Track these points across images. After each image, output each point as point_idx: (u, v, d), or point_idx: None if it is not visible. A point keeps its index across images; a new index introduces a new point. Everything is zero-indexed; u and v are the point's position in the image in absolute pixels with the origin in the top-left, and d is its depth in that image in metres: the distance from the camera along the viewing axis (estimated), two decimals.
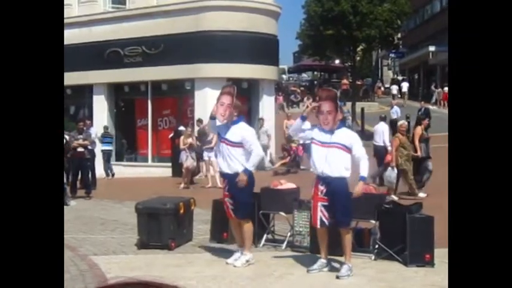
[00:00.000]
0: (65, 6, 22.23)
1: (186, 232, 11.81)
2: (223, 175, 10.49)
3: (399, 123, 18.17)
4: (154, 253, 10.94)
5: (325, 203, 9.50)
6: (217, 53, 24.88)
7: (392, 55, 69.08)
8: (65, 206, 14.48)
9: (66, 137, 18.31)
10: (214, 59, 24.89)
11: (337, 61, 54.65)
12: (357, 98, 44.80)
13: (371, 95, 56.60)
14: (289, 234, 11.43)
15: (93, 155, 20.69)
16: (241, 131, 10.15)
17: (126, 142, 28.33)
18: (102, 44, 26.97)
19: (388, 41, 41.83)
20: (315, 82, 66.67)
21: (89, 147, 19.60)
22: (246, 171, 9.89)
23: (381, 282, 9.24)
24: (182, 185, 21.31)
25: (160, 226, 11.16)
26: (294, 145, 25.70)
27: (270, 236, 11.83)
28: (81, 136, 19.16)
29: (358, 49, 42.91)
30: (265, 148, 24.81)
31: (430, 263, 9.82)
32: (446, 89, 49.15)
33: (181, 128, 23.91)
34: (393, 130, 33.85)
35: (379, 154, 20.23)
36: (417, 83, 64.67)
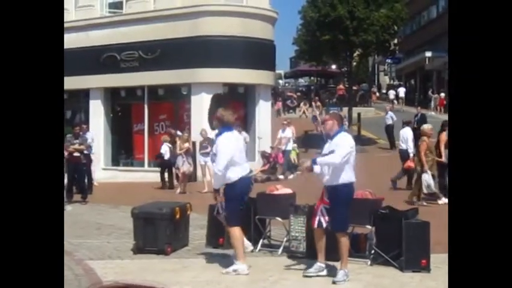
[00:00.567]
0: None
1: (182, 237, 11.81)
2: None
3: (426, 127, 17.96)
4: (150, 258, 10.93)
5: (327, 206, 9.54)
6: (213, 58, 24.88)
7: (388, 60, 69.20)
8: None
9: None
10: (211, 64, 24.89)
11: (333, 66, 54.71)
12: (354, 103, 44.83)
13: (367, 100, 56.66)
14: (285, 239, 11.43)
15: (89, 160, 20.70)
16: (216, 143, 10.24)
17: (123, 147, 28.30)
18: (99, 48, 26.96)
19: (385, 47, 41.87)
20: (312, 87, 66.74)
21: (85, 151, 19.60)
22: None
23: (377, 287, 9.25)
24: (178, 190, 21.31)
25: (156, 231, 11.15)
26: (273, 152, 25.69)
27: (266, 241, 11.83)
28: (77, 141, 19.15)
29: (355, 54, 42.94)
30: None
31: (426, 269, 9.83)
32: (442, 94, 49.26)
33: (178, 132, 23.92)
34: (388, 135, 34.06)
35: (403, 159, 20.47)
36: (413, 88, 64.79)
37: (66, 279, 9.24)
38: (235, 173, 10.02)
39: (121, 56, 26.75)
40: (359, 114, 39.88)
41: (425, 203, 16.00)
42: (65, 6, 26.02)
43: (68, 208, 17.17)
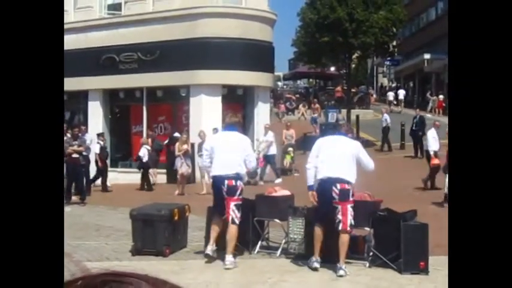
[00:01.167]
0: None
1: (180, 239, 11.80)
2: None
3: None
4: (149, 259, 10.93)
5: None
6: (212, 60, 24.88)
7: (387, 62, 69.18)
8: None
9: None
10: (210, 65, 24.89)
11: (332, 68, 54.72)
12: (352, 106, 44.84)
13: (366, 102, 56.69)
14: (283, 241, 11.43)
15: (88, 161, 20.71)
16: None
17: (121, 148, 28.30)
18: (98, 50, 26.97)
19: (384, 49, 41.87)
20: (310, 90, 66.76)
21: (84, 153, 19.60)
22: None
23: None
24: (177, 192, 21.31)
25: (155, 232, 11.15)
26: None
27: (264, 243, 11.82)
28: (75, 142, 19.16)
29: (354, 56, 42.95)
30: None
31: (425, 271, 9.82)
32: (441, 96, 49.26)
33: (177, 134, 23.93)
34: (384, 137, 34.07)
35: (428, 159, 20.66)
36: (412, 90, 64.80)
37: (64, 280, 9.24)
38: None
39: (120, 57, 26.75)
40: (357, 117, 39.88)
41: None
42: (64, 8, 26.03)
43: (67, 209, 17.16)
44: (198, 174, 23.06)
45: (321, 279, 9.73)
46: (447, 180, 16.40)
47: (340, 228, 9.96)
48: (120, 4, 28.05)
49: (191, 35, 25.18)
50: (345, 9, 36.67)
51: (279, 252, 11.31)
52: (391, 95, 57.10)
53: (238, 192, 10.59)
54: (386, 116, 34.97)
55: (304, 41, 41.06)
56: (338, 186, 9.97)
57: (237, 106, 26.43)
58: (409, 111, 47.13)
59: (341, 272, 9.77)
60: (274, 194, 11.93)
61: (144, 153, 23.12)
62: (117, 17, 27.96)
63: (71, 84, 24.96)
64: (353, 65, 44.08)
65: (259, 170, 23.51)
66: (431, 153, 19.82)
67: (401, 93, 56.87)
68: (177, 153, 22.23)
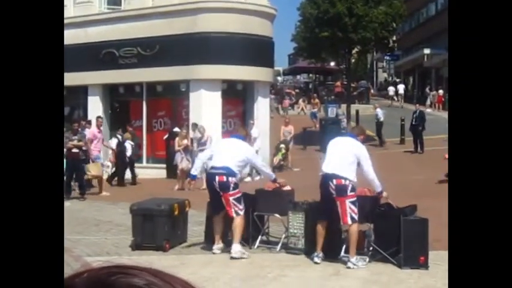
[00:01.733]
0: None
1: (180, 233, 11.81)
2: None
3: None
4: (149, 254, 10.93)
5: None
6: (212, 55, 24.86)
7: (387, 57, 69.20)
8: None
9: None
10: (210, 60, 24.86)
11: (332, 63, 54.70)
12: (352, 100, 44.83)
13: (366, 97, 56.70)
14: (283, 235, 11.44)
15: (87, 156, 20.70)
16: None
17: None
18: (98, 44, 26.92)
19: (383, 44, 41.88)
20: (310, 85, 66.73)
21: (84, 148, 19.59)
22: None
23: (375, 284, 9.26)
24: (177, 187, 21.30)
25: (155, 227, 11.16)
26: None
27: (264, 238, 11.83)
28: (75, 137, 19.15)
29: (353, 51, 42.96)
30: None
31: (425, 266, 9.83)
32: (441, 91, 49.29)
33: (176, 129, 23.92)
34: (377, 132, 34.09)
35: None
36: (412, 85, 64.80)
37: (64, 275, 9.25)
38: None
39: (119, 52, 26.71)
40: (357, 111, 39.90)
41: None
42: (64, 2, 26.00)
43: (66, 204, 17.16)
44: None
45: (321, 274, 9.74)
46: None
47: (341, 223, 10.06)
48: None
49: (191, 29, 25.15)
50: (345, 4, 36.66)
51: (279, 247, 11.31)
52: (391, 90, 57.10)
53: (231, 187, 10.73)
54: (379, 110, 35.06)
55: (304, 36, 41.03)
56: (334, 181, 10.05)
57: (237, 101, 26.43)
58: (408, 106, 47.16)
59: (349, 265, 9.88)
60: (274, 189, 11.92)
61: (127, 148, 23.24)
62: (116, 12, 27.91)
63: (70, 79, 24.94)
64: (353, 60, 44.13)
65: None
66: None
67: (401, 87, 56.86)
68: (176, 148, 22.22)
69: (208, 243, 11.68)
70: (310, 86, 65.62)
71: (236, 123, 23.61)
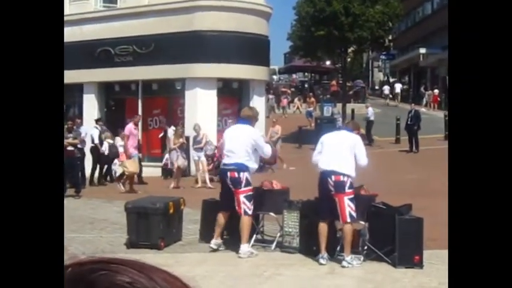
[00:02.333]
0: None
1: (175, 232, 11.81)
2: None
3: None
4: (144, 252, 10.92)
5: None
6: (208, 53, 24.85)
7: (383, 57, 69.25)
8: None
9: None
10: (205, 59, 24.86)
11: (328, 62, 54.70)
12: (347, 99, 44.86)
13: (362, 96, 56.74)
14: (278, 234, 11.43)
15: (83, 154, 20.71)
16: None
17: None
18: (93, 42, 26.89)
19: (379, 43, 41.89)
20: (306, 84, 66.72)
21: (79, 146, 19.58)
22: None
23: (370, 283, 9.27)
24: (172, 185, 21.29)
25: (150, 225, 11.15)
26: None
27: (259, 237, 11.83)
28: (71, 135, 19.13)
29: (349, 50, 42.96)
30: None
31: (419, 265, 9.84)
32: (436, 91, 49.35)
33: (172, 128, 23.91)
34: (367, 130, 34.14)
35: None
36: (408, 85, 64.85)
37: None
38: None
39: (115, 50, 26.69)
40: (353, 110, 39.92)
41: None
42: None
43: None
44: (193, 167, 23.03)
45: (316, 272, 9.74)
46: None
47: (340, 221, 10.08)
48: None
49: (187, 28, 25.13)
50: (341, 3, 36.65)
51: (273, 245, 11.31)
52: (386, 89, 57.15)
53: (243, 184, 10.68)
54: (370, 109, 35.15)
55: (300, 35, 41.01)
56: (333, 178, 10.06)
57: (233, 100, 26.43)
58: (404, 105, 47.20)
59: (343, 263, 9.85)
60: (269, 188, 11.93)
61: (105, 147, 23.30)
62: (112, 10, 27.89)
63: (65, 77, 24.67)
64: (348, 59, 44.09)
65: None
66: None
67: (398, 87, 56.89)
68: (172, 146, 22.21)
69: (203, 241, 11.69)
70: (306, 85, 65.62)
71: (232, 120, 23.58)
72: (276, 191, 11.78)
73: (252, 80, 26.39)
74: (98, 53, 26.99)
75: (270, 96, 50.20)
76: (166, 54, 25.06)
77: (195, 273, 9.47)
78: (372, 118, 34.41)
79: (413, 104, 35.10)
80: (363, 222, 10.57)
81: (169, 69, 25.20)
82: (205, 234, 11.79)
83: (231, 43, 25.17)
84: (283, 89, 58.75)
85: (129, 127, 21.41)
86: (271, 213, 11.53)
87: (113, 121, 27.86)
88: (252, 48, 25.77)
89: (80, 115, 26.96)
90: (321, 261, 10.07)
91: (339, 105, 40.13)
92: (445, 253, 10.53)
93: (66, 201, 17.72)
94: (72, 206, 17.00)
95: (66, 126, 19.61)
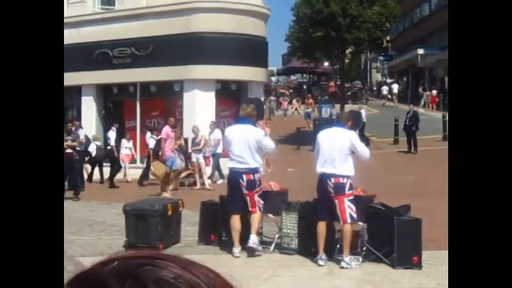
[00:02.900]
0: None
1: (174, 234, 11.80)
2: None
3: None
4: None
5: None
6: (206, 55, 24.86)
7: (381, 58, 69.28)
8: None
9: None
10: (203, 60, 24.87)
11: (326, 63, 54.68)
12: (345, 101, 44.87)
13: (360, 97, 56.75)
14: (277, 236, 11.43)
15: (81, 156, 20.71)
16: None
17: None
18: (91, 45, 26.90)
19: (377, 44, 41.90)
20: (304, 86, 66.72)
21: (78, 148, 19.58)
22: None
23: (368, 284, 9.27)
24: (170, 187, 21.26)
25: (148, 227, 11.15)
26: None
27: (258, 238, 11.82)
28: (69, 137, 19.13)
29: (347, 51, 42.95)
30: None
31: (418, 266, 9.84)
32: (434, 91, 49.35)
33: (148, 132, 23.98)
34: (360, 132, 34.10)
35: None
36: (405, 85, 64.85)
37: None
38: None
39: (113, 52, 26.70)
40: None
41: None
42: None
43: None
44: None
45: (315, 274, 9.74)
46: None
47: (340, 222, 10.08)
48: None
49: (185, 29, 25.15)
50: (339, 4, 36.65)
51: (272, 247, 11.31)
52: (385, 90, 57.17)
53: (257, 184, 10.94)
54: (363, 111, 35.18)
55: (298, 36, 41.01)
56: (332, 180, 10.06)
57: (231, 101, 26.43)
58: (402, 106, 47.21)
59: (342, 264, 9.86)
60: (268, 189, 11.92)
61: (93, 148, 23.48)
62: (110, 12, 27.89)
63: (64, 79, 24.82)
64: (346, 60, 44.09)
65: (209, 170, 22.83)
66: None
67: (396, 87, 56.90)
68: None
69: (202, 243, 11.69)
70: (304, 86, 65.63)
71: (230, 123, 23.61)
72: (275, 192, 11.78)
73: (250, 82, 26.41)
74: (96, 55, 27.00)
75: (272, 98, 50.24)
76: (164, 56, 25.07)
77: None
78: (364, 120, 34.37)
79: (411, 105, 35.08)
80: (361, 223, 10.57)
81: (168, 71, 25.21)
82: (204, 236, 11.79)
83: (229, 45, 25.19)
84: (282, 91, 58.79)
85: (166, 130, 21.24)
86: (270, 215, 11.53)
87: (111, 123, 27.86)
88: (250, 50, 25.78)
89: (79, 117, 26.96)
90: (320, 262, 10.07)
91: (337, 106, 40.13)
92: (443, 254, 10.54)
93: (65, 203, 17.71)
94: (71, 208, 16.98)
95: (64, 129, 19.62)
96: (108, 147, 23.55)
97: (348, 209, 9.99)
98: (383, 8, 38.25)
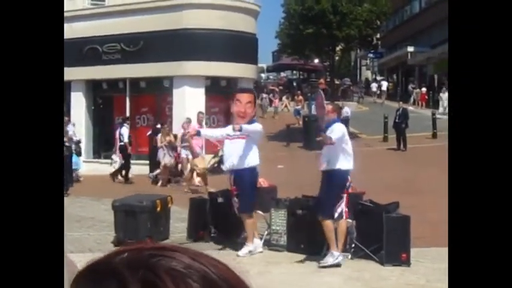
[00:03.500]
0: None
1: (162, 230, 11.80)
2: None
3: None
4: None
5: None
6: (196, 51, 24.83)
7: (371, 55, 69.33)
8: None
9: None
10: (193, 57, 24.85)
11: (316, 60, 54.71)
12: (335, 98, 44.91)
13: (350, 94, 56.78)
14: (266, 232, 11.44)
15: (71, 152, 20.65)
16: None
17: (104, 139, 28.21)
18: (81, 40, 26.81)
19: (367, 41, 42.00)
20: (294, 83, 66.74)
21: (67, 143, 19.53)
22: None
23: (357, 281, 9.29)
24: (160, 183, 21.26)
25: (137, 223, 11.14)
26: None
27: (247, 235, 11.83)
28: None
29: (337, 49, 43.01)
30: None
31: (406, 263, 9.87)
32: (424, 89, 49.45)
33: (159, 125, 23.89)
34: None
35: None
36: (395, 83, 64.94)
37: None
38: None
39: (103, 48, 26.64)
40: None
41: None
42: None
43: None
44: (179, 165, 23.00)
45: (304, 270, 9.75)
46: None
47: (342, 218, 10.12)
48: None
49: (175, 26, 25.12)
50: (330, 1, 36.72)
51: (261, 243, 11.31)
52: (374, 87, 57.22)
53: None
54: (347, 108, 35.21)
55: (288, 33, 41.05)
56: (332, 176, 10.07)
57: (221, 98, 26.40)
58: (392, 103, 47.26)
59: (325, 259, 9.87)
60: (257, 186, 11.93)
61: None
62: (100, 8, 27.81)
63: (64, 76, 24.71)
64: (336, 57, 44.16)
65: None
66: None
67: (384, 84, 56.95)
68: (159, 144, 22.16)
69: (191, 239, 11.68)
70: (294, 83, 65.62)
71: (220, 119, 23.61)
72: (264, 189, 11.78)
73: (240, 78, 26.39)
74: (85, 51, 26.93)
75: (264, 95, 50.19)
76: (154, 52, 25.04)
77: None
78: (349, 116, 34.32)
79: (401, 102, 35.13)
80: (350, 220, 10.59)
81: (157, 67, 25.17)
82: (193, 233, 11.79)
83: (219, 41, 25.17)
84: (272, 87, 58.73)
85: (194, 126, 21.16)
86: (259, 212, 11.53)
87: (100, 119, 27.85)
88: (240, 46, 25.78)
89: (68, 113, 26.88)
90: (339, 258, 9.93)
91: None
92: (432, 251, 10.58)
93: None
94: None
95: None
96: (121, 144, 23.41)
97: (344, 205, 10.07)
98: (373, 6, 38.33)
